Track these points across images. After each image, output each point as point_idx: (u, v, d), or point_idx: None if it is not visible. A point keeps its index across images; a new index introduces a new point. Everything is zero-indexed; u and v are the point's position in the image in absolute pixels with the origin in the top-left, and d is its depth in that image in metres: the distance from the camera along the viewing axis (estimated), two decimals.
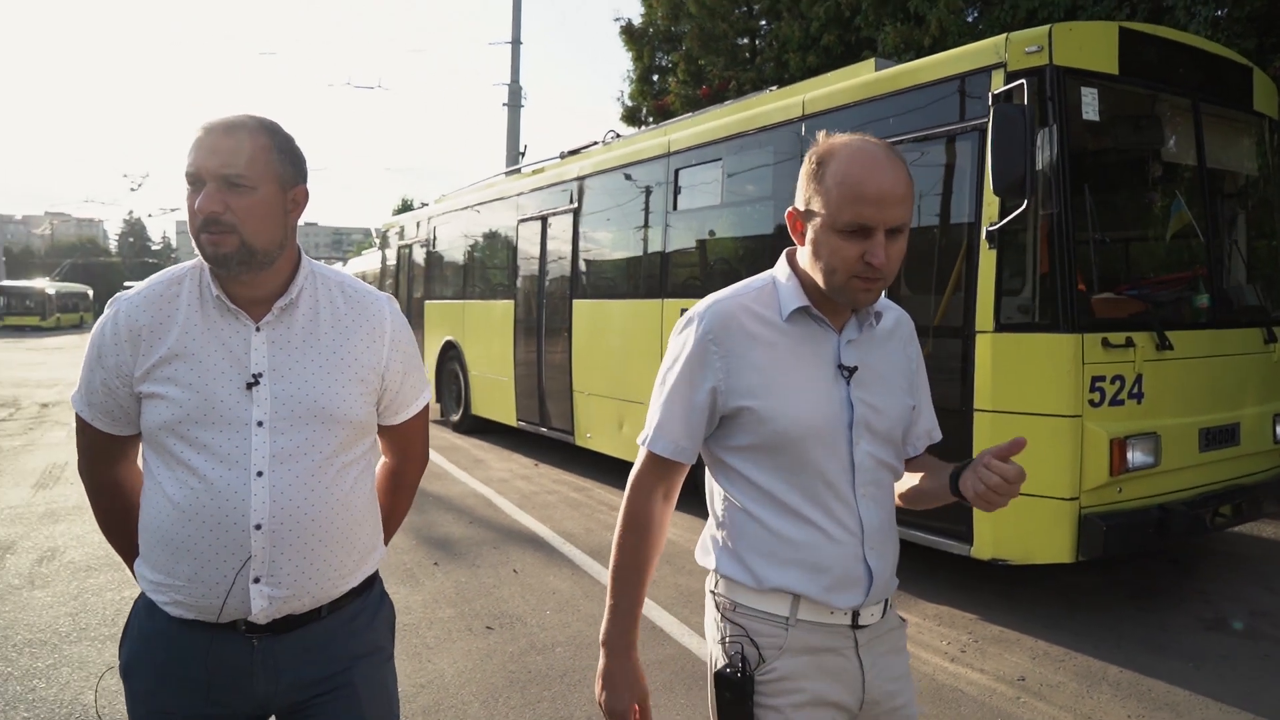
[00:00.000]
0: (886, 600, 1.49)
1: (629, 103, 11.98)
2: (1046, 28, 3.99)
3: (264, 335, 1.49)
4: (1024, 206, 3.87)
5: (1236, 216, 5.12)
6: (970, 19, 7.49)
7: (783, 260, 1.52)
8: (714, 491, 1.54)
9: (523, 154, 17.53)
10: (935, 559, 4.62)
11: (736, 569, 1.46)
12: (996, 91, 4.04)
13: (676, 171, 6.43)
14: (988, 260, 4.11)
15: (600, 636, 1.53)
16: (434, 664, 3.73)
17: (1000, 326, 4.09)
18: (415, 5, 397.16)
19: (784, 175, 5.38)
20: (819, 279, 1.41)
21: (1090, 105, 4.01)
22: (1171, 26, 6.62)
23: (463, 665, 3.72)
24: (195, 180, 1.41)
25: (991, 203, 4.08)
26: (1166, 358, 4.15)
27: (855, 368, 1.44)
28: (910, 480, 1.58)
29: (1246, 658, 3.84)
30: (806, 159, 1.41)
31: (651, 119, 11.26)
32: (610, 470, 7.64)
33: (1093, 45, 4.09)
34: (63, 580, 4.73)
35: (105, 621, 4.12)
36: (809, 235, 1.41)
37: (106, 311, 1.51)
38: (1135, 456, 4.01)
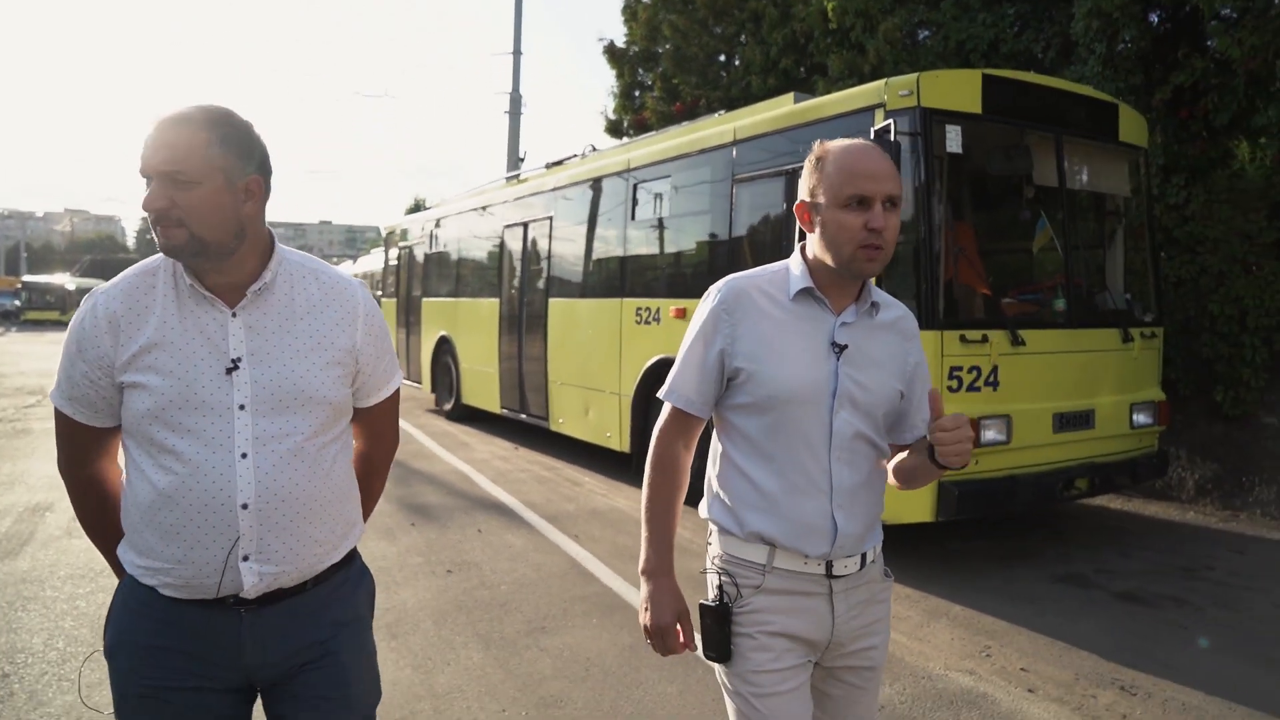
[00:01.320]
0: (866, 555, 1.67)
1: (612, 116, 12.85)
2: (916, 75, 4.78)
3: (240, 321, 1.53)
4: None
5: (1102, 232, 5.88)
6: (906, 48, 8.26)
7: (796, 250, 1.71)
8: (714, 452, 1.75)
9: (522, 159, 18.34)
10: None
11: (725, 516, 1.69)
12: (876, 127, 4.83)
13: (634, 186, 7.24)
14: None
15: (640, 567, 1.74)
16: (399, 595, 4.54)
17: None
18: (421, 18, 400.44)
19: (720, 192, 6.18)
20: (828, 258, 1.60)
21: (954, 139, 4.79)
22: (1076, 62, 7.39)
23: (423, 597, 4.53)
24: (144, 176, 1.44)
25: None
26: (1021, 352, 4.92)
27: (845, 346, 1.63)
28: (901, 460, 1.76)
29: (1075, 602, 4.60)
30: (808, 160, 1.64)
31: (632, 132, 12.11)
32: (579, 452, 8.46)
33: (957, 89, 4.87)
34: None
35: None
36: (817, 220, 1.61)
37: (84, 305, 1.53)
38: (988, 434, 4.79)
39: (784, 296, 1.65)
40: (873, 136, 4.81)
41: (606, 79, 11.98)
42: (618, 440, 7.33)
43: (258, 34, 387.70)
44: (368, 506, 1.83)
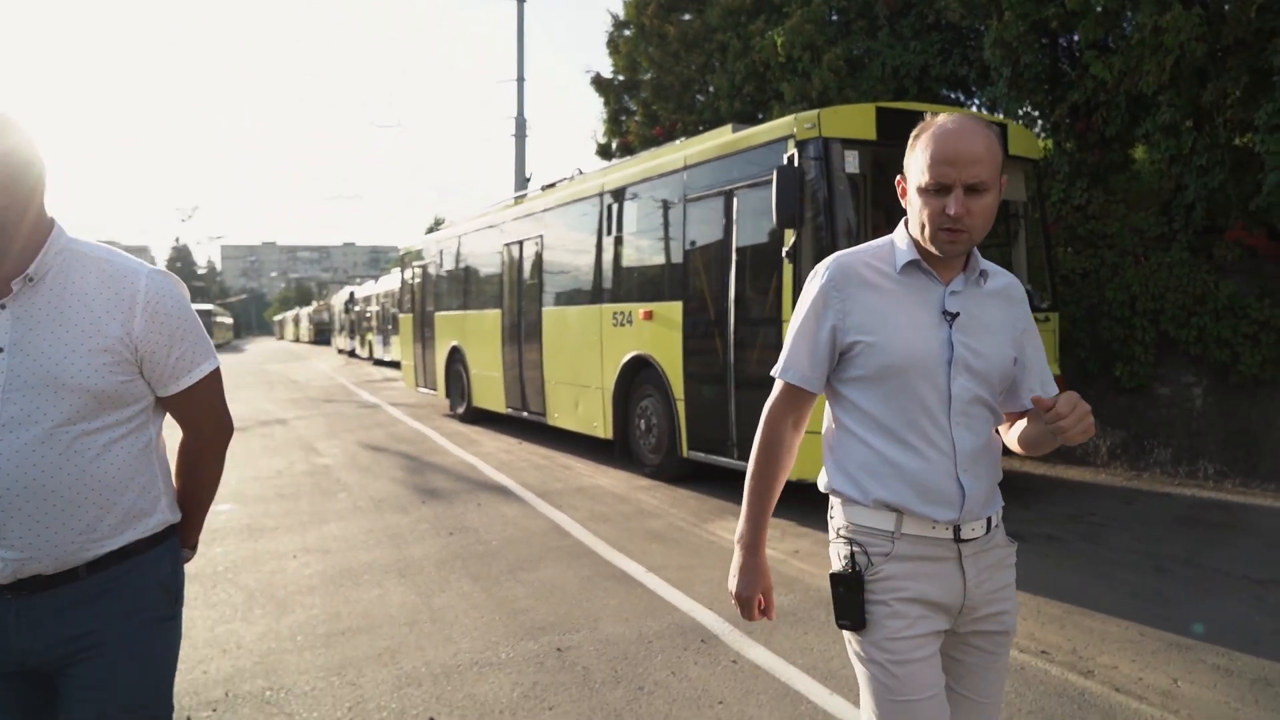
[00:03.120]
0: (990, 519, 1.67)
1: (601, 140, 13.97)
2: (818, 111, 5.79)
3: (9, 312, 1.55)
4: (796, 236, 5.68)
5: (1007, 232, 6.84)
6: (849, 74, 9.26)
7: (900, 225, 1.73)
8: (830, 424, 1.76)
9: (529, 178, 19.55)
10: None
11: (847, 485, 1.68)
12: (788, 155, 5.85)
13: (609, 206, 8.31)
14: (787, 270, 5.90)
15: (736, 537, 1.81)
16: (409, 551, 5.60)
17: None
18: (429, 49, 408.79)
19: (676, 211, 7.21)
20: (917, 234, 1.64)
21: (852, 162, 5.80)
22: (990, 84, 8.36)
23: (428, 551, 5.59)
24: None
25: (791, 231, 5.88)
26: None
27: (957, 314, 1.64)
28: (1023, 427, 1.76)
29: None
30: (911, 136, 1.65)
31: (619, 154, 13.21)
32: (574, 444, 9.52)
33: (854, 121, 5.87)
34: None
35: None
36: (908, 198, 1.64)
37: None
38: None
39: (891, 269, 1.67)
40: (784, 162, 5.84)
41: (598, 105, 12.92)
42: (602, 429, 8.37)
43: (281, 69, 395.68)
44: (199, 494, 1.86)
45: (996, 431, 1.75)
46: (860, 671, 1.67)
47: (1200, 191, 6.76)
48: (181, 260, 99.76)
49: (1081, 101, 7.58)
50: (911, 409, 1.63)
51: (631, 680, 3.52)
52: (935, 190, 1.56)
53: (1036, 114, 7.70)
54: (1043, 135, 8.43)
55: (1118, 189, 7.71)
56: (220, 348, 54.55)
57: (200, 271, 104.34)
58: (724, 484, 7.26)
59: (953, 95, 9.16)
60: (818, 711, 3.22)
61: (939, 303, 1.65)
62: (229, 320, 71.62)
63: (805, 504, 6.48)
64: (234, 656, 3.86)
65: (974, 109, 9.07)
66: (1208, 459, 7.10)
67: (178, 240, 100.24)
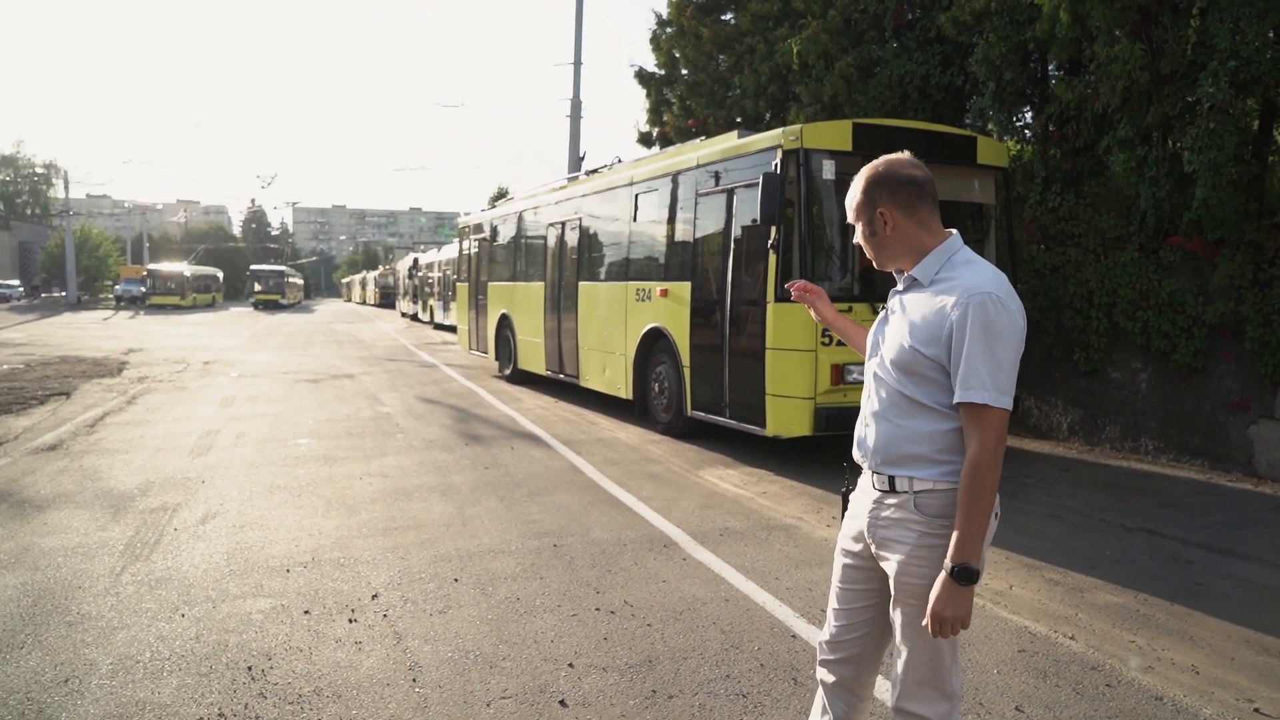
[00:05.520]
0: (894, 479, 2.02)
1: (643, 129, 15.10)
2: (800, 126, 6.86)
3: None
4: (779, 231, 6.79)
5: (979, 230, 7.82)
6: (859, 81, 10.20)
7: None
8: None
9: (583, 158, 20.77)
10: (747, 438, 7.60)
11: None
12: (775, 162, 6.94)
13: (636, 196, 9.47)
14: (771, 261, 7.01)
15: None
16: (451, 478, 6.92)
17: (777, 299, 6.98)
18: (492, 33, 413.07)
19: (689, 204, 8.34)
20: None
21: (829, 169, 6.86)
22: (980, 95, 9.26)
23: (466, 479, 6.90)
24: None
25: (774, 228, 6.98)
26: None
27: (885, 310, 2.15)
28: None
29: None
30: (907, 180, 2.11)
31: (658, 143, 14.32)
32: (601, 404, 10.80)
33: (832, 135, 6.93)
34: (251, 445, 8.19)
35: (269, 444, 7.52)
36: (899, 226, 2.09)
37: None
38: (852, 375, 6.86)
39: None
40: (771, 168, 6.93)
41: (642, 95, 13.63)
42: (625, 390, 9.60)
43: (351, 51, 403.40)
44: None
45: (917, 413, 2.00)
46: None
47: (1150, 200, 7.63)
48: (256, 222, 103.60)
49: (1055, 115, 8.45)
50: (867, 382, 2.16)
51: (604, 566, 4.76)
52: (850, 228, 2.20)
53: (1020, 124, 8.59)
54: (1026, 143, 9.30)
55: (1089, 193, 8.58)
56: (291, 307, 57.27)
57: (274, 233, 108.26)
58: (720, 440, 8.43)
59: (949, 103, 10.03)
60: (733, 591, 4.41)
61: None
62: (300, 281, 74.64)
63: (783, 456, 7.66)
64: (316, 538, 5.22)
65: (966, 117, 9.96)
66: (1149, 436, 8.02)
67: (253, 203, 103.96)
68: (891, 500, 2.02)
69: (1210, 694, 3.34)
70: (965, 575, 1.87)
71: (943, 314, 1.93)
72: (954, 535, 1.90)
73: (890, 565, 2.03)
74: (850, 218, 2.15)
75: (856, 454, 2.17)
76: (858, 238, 2.14)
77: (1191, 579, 4.73)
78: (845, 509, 2.24)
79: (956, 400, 1.90)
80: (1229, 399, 7.43)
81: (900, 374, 2.00)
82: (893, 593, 2.04)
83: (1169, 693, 3.34)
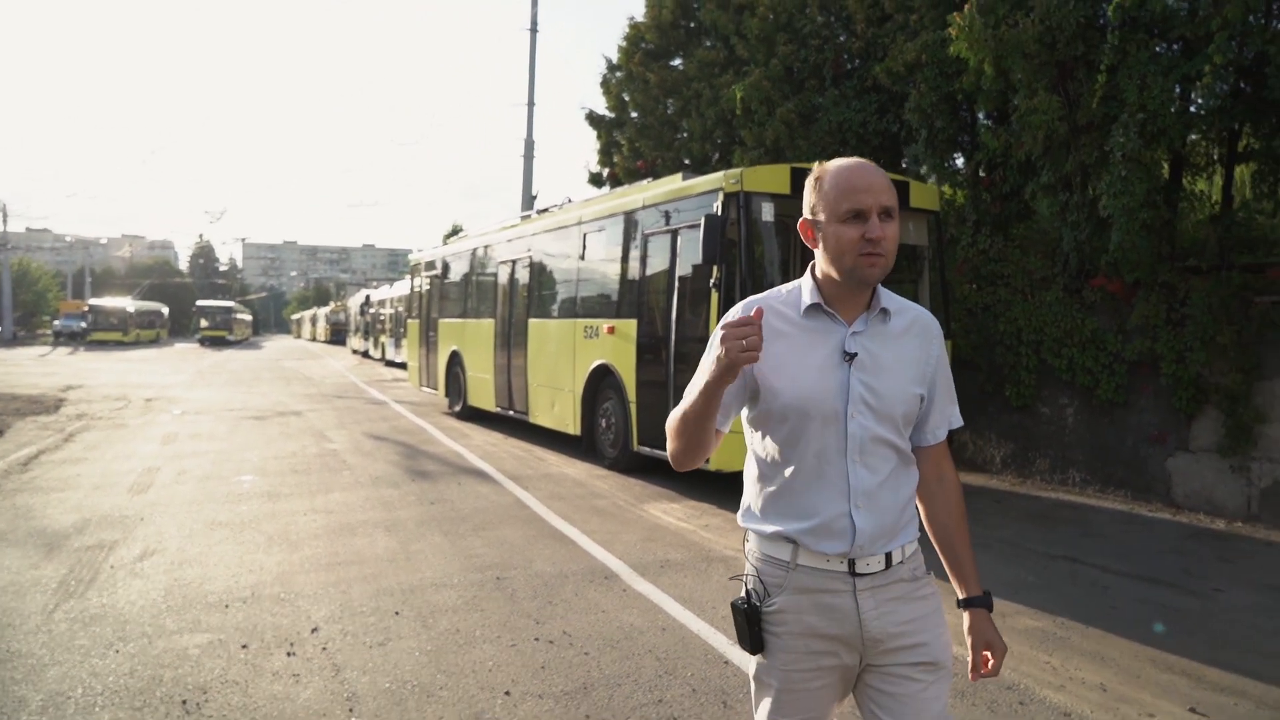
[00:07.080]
0: (892, 555, 1.70)
1: (594, 170, 15.42)
2: (741, 170, 7.13)
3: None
4: (721, 270, 7.00)
5: (913, 270, 8.14)
6: (800, 126, 10.61)
7: (807, 270, 1.78)
8: (748, 460, 1.85)
9: (535, 197, 21.02)
10: (691, 473, 7.75)
11: (750, 517, 1.80)
12: (716, 204, 7.18)
13: (585, 235, 9.66)
14: (713, 300, 7.22)
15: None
16: (396, 514, 6.93)
17: None
18: (447, 72, 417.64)
19: (636, 244, 8.54)
20: (833, 271, 1.68)
21: (768, 211, 7.12)
22: (913, 142, 9.69)
23: (412, 514, 6.92)
24: None
25: (715, 267, 7.20)
26: None
27: (855, 354, 1.69)
28: (937, 533, 1.86)
29: None
30: (808, 180, 1.74)
31: (608, 183, 14.64)
32: (550, 440, 10.87)
33: (771, 178, 7.20)
34: (193, 482, 8.10)
35: (212, 481, 7.46)
36: (819, 235, 1.69)
37: None
38: None
39: (795, 313, 1.73)
40: (713, 210, 7.17)
41: (593, 136, 13.95)
42: (573, 426, 9.69)
43: (307, 87, 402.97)
44: None
45: (909, 469, 1.78)
46: (752, 687, 1.79)
47: (1072, 243, 8.04)
48: (204, 257, 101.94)
49: (984, 161, 8.88)
50: (811, 447, 1.68)
51: (545, 597, 4.84)
52: (854, 217, 1.62)
53: (951, 169, 9.01)
54: (959, 188, 9.73)
55: (1017, 236, 9.00)
56: (239, 344, 56.31)
57: (222, 268, 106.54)
58: (665, 475, 8.55)
59: (886, 148, 10.47)
60: (670, 620, 4.52)
61: (840, 344, 1.69)
62: (248, 317, 73.45)
63: (726, 491, 7.80)
64: (257, 574, 5.20)
65: (903, 161, 10.41)
66: (1076, 469, 8.35)
67: (200, 237, 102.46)
68: (893, 578, 1.72)
69: (1115, 709, 3.53)
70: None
71: (925, 348, 1.77)
72: (965, 566, 1.84)
73: (918, 652, 1.71)
74: (890, 201, 1.66)
75: (829, 545, 1.69)
76: (890, 235, 1.66)
77: (1107, 603, 4.96)
78: (757, 624, 1.74)
79: (952, 429, 1.85)
80: (1148, 432, 7.79)
81: (905, 427, 1.75)
82: (931, 680, 1.72)
83: (1076, 708, 3.52)
